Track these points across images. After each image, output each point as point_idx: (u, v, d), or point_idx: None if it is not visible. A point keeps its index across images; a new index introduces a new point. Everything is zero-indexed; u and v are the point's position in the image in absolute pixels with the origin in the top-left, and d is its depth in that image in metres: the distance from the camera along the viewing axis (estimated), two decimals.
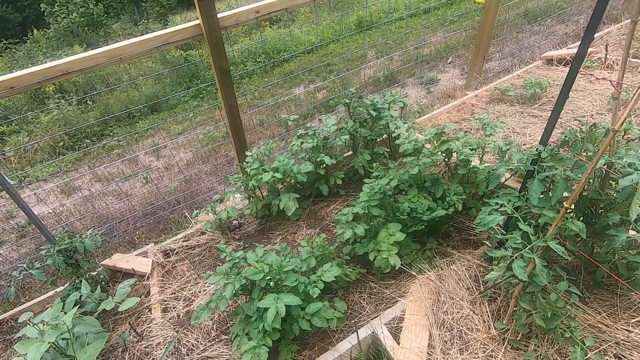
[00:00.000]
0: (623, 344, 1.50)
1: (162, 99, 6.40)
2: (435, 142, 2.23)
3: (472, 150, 2.10)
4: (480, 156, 2.31)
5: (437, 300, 1.80)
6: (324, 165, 2.61)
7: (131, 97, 6.78)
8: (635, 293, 1.66)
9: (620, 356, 1.47)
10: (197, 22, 2.44)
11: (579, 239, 1.70)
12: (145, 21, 11.25)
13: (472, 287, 1.84)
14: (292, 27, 8.32)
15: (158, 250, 2.57)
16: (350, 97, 2.71)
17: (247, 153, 2.54)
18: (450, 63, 5.43)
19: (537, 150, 1.49)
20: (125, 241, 3.12)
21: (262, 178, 2.29)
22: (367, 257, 1.97)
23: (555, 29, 5.25)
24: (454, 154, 2.21)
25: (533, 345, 1.54)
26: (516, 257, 1.31)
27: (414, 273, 1.95)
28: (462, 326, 1.68)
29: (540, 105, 3.26)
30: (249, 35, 8.74)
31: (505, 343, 1.55)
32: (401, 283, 1.99)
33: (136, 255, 2.55)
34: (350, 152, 2.92)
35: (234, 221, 2.69)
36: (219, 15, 2.44)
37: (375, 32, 7.41)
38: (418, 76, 5.18)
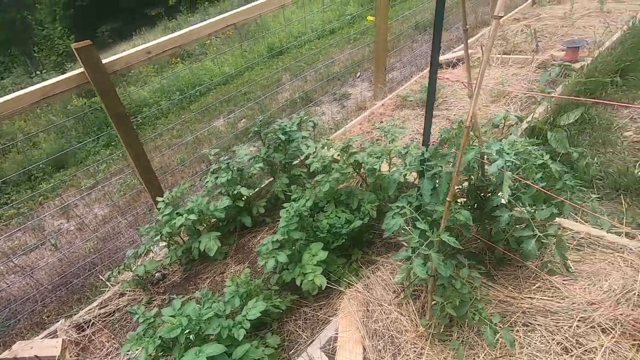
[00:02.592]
0: (528, 311, 1.65)
1: (68, 152, 5.84)
2: (343, 156, 2.32)
3: (377, 158, 2.21)
4: (389, 162, 2.44)
5: (366, 310, 1.83)
6: (244, 196, 2.56)
7: (30, 157, 6.08)
8: (531, 262, 1.85)
9: (528, 324, 1.61)
10: (81, 70, 2.28)
11: (478, 225, 1.86)
12: (40, 72, 10.32)
13: (398, 290, 1.90)
14: (205, 60, 8.24)
15: (69, 325, 2.27)
16: (258, 124, 2.72)
17: (159, 199, 2.40)
18: (359, 77, 5.76)
19: (421, 151, 1.62)
20: (33, 323, 2.71)
21: (175, 223, 2.16)
22: (295, 283, 1.94)
23: (443, 36, 5.87)
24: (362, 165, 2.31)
25: (456, 334, 1.62)
26: (415, 256, 1.38)
27: (341, 289, 1.96)
28: (392, 331, 1.71)
29: (437, 105, 3.58)
30: (160, 74, 8.44)
31: (430, 337, 1.61)
32: (332, 301, 1.99)
33: (42, 338, 2.22)
34: (271, 179, 2.91)
35: (157, 274, 2.49)
36: (105, 61, 2.32)
37: (287, 56, 7.63)
38: (331, 93, 5.41)
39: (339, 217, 2.07)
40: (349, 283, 1.98)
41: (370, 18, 4.10)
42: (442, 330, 1.63)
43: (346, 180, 2.65)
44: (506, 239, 1.67)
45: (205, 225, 2.53)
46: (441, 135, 1.63)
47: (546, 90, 3.07)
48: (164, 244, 2.53)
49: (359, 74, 5.83)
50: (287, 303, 1.96)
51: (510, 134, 2.85)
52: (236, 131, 5.07)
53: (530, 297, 1.71)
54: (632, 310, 1.56)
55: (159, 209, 2.32)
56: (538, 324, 1.59)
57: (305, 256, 1.95)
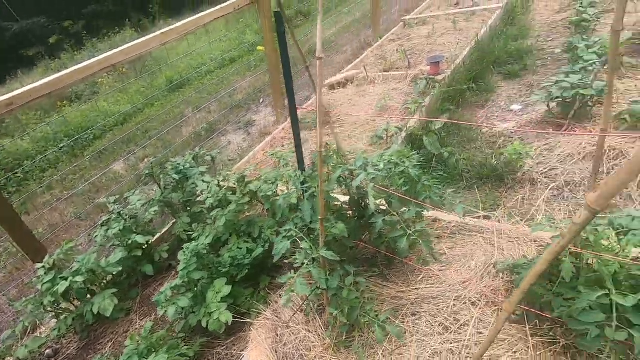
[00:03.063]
0: (415, 301, 1.86)
1: None
2: (240, 186, 2.36)
3: (271, 184, 2.30)
4: (287, 186, 2.55)
5: (276, 335, 1.86)
6: (143, 244, 2.42)
7: None
8: (413, 257, 2.08)
9: (416, 312, 1.81)
10: None
11: (366, 232, 2.04)
12: None
13: (306, 308, 1.98)
14: (97, 100, 7.62)
15: None
16: (150, 167, 2.62)
17: (37, 265, 2.14)
18: (262, 103, 5.89)
19: (296, 174, 1.74)
20: None
21: (57, 290, 1.96)
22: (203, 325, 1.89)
23: (333, 58, 6.34)
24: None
25: (357, 338, 1.74)
26: (297, 275, 1.47)
27: (250, 320, 1.97)
28: (301, 350, 1.77)
29: (329, 126, 3.83)
30: (43, 120, 7.56)
31: (334, 347, 1.71)
32: (243, 335, 1.98)
33: None
34: (174, 220, 2.81)
35: (46, 351, 2.20)
36: None
37: (188, 88, 7.47)
38: (236, 121, 5.43)
39: (240, 248, 2.09)
40: (257, 312, 2.00)
41: (260, 48, 4.27)
42: (344, 338, 1.74)
43: (250, 209, 2.69)
44: (387, 241, 1.87)
45: (99, 284, 2.32)
46: (313, 158, 1.78)
47: (417, 101, 3.52)
48: (53, 314, 2.26)
49: (262, 99, 5.96)
50: (196, 348, 1.90)
51: (393, 144, 3.20)
52: (138, 172, 4.77)
53: (416, 289, 1.92)
54: (492, 281, 1.85)
55: (38, 277, 2.07)
56: (424, 311, 1.80)
57: (210, 295, 1.92)
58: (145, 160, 5.29)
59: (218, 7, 3.60)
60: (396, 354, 1.65)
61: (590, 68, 3.05)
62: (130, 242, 2.29)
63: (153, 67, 8.47)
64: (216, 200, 2.21)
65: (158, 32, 3.19)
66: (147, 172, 2.60)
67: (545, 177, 2.75)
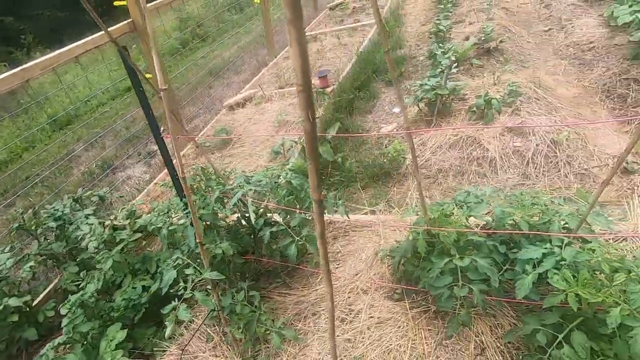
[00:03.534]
0: (315, 302, 1.98)
1: None
2: (130, 222, 2.25)
3: (164, 215, 2.24)
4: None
5: None
6: (21, 307, 2.15)
7: None
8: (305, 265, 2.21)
9: (315, 312, 1.93)
10: None
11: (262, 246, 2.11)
12: None
13: (212, 334, 1.96)
14: None
15: None
16: (20, 218, 2.35)
17: None
18: (164, 131, 5.64)
19: (177, 203, 1.75)
20: None
21: None
22: None
23: (233, 79, 6.38)
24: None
25: (263, 350, 1.79)
26: (180, 302, 1.48)
27: None
28: None
29: (231, 147, 3.87)
30: None
31: None
32: None
33: None
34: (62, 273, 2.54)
35: None
36: None
37: (77, 123, 6.80)
38: (136, 154, 5.12)
39: (135, 288, 1.99)
40: (162, 350, 1.92)
41: (148, 75, 4.12)
42: (250, 353, 1.77)
43: (147, 244, 2.57)
44: (279, 250, 1.97)
45: None
46: (191, 182, 1.80)
47: None
48: None
49: (162, 128, 5.70)
50: None
51: (290, 157, 3.35)
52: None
53: (316, 290, 2.04)
54: (380, 268, 2.06)
55: None
56: (322, 310, 1.92)
57: (103, 344, 1.79)
58: (30, 211, 4.66)
59: (90, 37, 3.40)
60: (300, 356, 1.74)
61: (450, 71, 3.60)
62: (1, 307, 2.01)
63: (30, 104, 7.54)
64: (101, 242, 2.08)
65: (18, 69, 2.90)
66: (16, 225, 2.32)
67: (423, 168, 3.14)
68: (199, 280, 1.50)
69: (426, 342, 1.65)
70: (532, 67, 4.11)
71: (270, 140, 3.82)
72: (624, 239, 1.86)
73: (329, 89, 4.20)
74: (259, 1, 6.17)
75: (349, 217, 2.15)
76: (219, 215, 1.87)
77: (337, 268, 2.14)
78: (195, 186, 1.79)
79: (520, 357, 1.47)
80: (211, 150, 3.90)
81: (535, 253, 1.43)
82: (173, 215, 2.37)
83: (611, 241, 1.87)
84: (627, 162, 2.68)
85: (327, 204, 2.08)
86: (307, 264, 2.13)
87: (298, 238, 1.84)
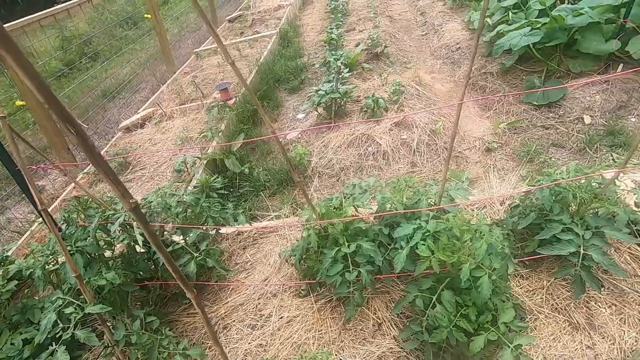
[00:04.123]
0: (226, 315, 1.96)
1: None
2: (1, 272, 1.97)
3: (43, 256, 2.01)
4: None
5: None
6: None
7: None
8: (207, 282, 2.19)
9: (227, 325, 1.91)
10: None
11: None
12: None
13: None
14: None
15: None
16: None
17: None
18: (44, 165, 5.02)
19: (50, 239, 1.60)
20: None
21: None
22: None
23: (131, 99, 5.97)
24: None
25: None
26: (58, 345, 1.37)
27: None
28: None
29: (129, 172, 3.62)
30: None
31: None
32: None
33: None
34: None
35: None
36: None
37: None
38: (14, 193, 4.46)
39: (13, 344, 1.75)
40: None
41: (19, 103, 3.65)
42: None
43: (29, 292, 2.28)
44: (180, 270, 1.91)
45: None
46: (62, 215, 1.66)
47: (213, 128, 3.70)
48: None
49: (44, 164, 5.08)
50: None
51: (195, 174, 3.26)
52: None
53: (226, 303, 2.02)
54: (288, 269, 2.13)
55: None
56: (233, 321, 1.92)
57: None
58: None
59: None
60: None
61: (339, 76, 3.86)
62: None
63: None
64: None
65: None
66: None
67: (327, 168, 3.32)
68: (82, 318, 1.39)
69: (331, 330, 1.75)
70: (414, 68, 4.63)
71: (174, 160, 3.67)
72: (484, 206, 2.21)
73: (231, 102, 4.19)
74: (149, 16, 5.90)
75: (250, 224, 2.18)
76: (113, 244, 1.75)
77: (246, 277, 2.15)
78: (71, 217, 1.65)
79: (408, 323, 1.65)
80: (102, 179, 3.59)
81: (408, 229, 1.63)
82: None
83: (476, 210, 2.21)
84: (488, 142, 3.18)
85: (228, 215, 2.09)
86: (211, 280, 2.10)
87: (197, 254, 1.81)
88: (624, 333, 1.50)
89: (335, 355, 1.65)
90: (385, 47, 4.83)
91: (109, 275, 1.51)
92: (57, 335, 1.36)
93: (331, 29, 5.49)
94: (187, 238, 1.82)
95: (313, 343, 1.72)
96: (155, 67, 6.88)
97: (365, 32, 5.53)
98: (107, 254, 1.75)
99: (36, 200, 1.24)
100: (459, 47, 4.83)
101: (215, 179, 3.01)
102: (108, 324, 1.67)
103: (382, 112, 3.46)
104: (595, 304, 1.61)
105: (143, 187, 3.32)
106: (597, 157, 2.71)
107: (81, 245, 1.53)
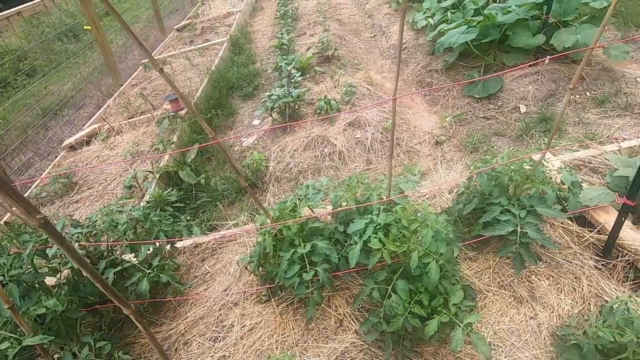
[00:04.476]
0: (185, 331, 1.90)
1: None
2: None
3: None
4: None
5: None
6: None
7: None
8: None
9: (187, 341, 1.85)
10: None
11: None
12: None
13: None
14: None
15: None
16: None
17: None
18: None
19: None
20: None
21: None
22: None
23: (75, 115, 5.63)
24: None
25: None
26: None
27: None
28: None
29: (76, 192, 3.41)
30: None
31: None
32: None
33: None
34: None
35: None
36: None
37: None
38: None
39: None
40: None
41: None
42: None
43: None
44: (132, 289, 1.83)
45: None
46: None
47: (164, 140, 3.58)
48: None
49: None
50: None
51: (147, 188, 3.13)
52: None
53: (185, 319, 1.96)
54: (249, 277, 2.10)
55: None
56: (193, 336, 1.86)
57: None
58: None
59: None
60: None
61: (291, 80, 3.88)
62: None
63: None
64: None
65: None
66: None
67: (285, 173, 3.32)
68: (20, 352, 1.28)
69: (294, 332, 1.75)
70: (365, 69, 4.76)
71: (125, 176, 3.50)
72: (434, 196, 2.32)
73: (182, 112, 4.07)
74: (89, 28, 5.61)
75: (207, 234, 2.13)
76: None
77: (206, 289, 2.10)
78: (1, 244, 1.52)
79: (367, 316, 1.68)
80: (50, 200, 3.37)
81: (360, 224, 1.67)
82: None
83: (427, 200, 2.30)
84: (437, 136, 3.34)
85: (182, 228, 2.03)
86: (167, 296, 2.03)
87: (150, 271, 1.74)
88: (561, 301, 1.63)
89: (300, 356, 1.65)
90: (336, 49, 4.93)
91: (49, 303, 1.41)
92: None
93: (282, 34, 5.51)
94: (138, 255, 1.75)
95: (276, 347, 1.71)
96: (100, 81, 6.55)
97: (316, 36, 5.60)
98: (50, 280, 1.63)
99: None
100: (406, 47, 5.02)
101: (169, 192, 2.92)
102: (56, 355, 1.56)
103: (335, 113, 3.52)
104: (536, 277, 1.74)
105: (92, 207, 3.14)
106: (532, 142, 2.93)
107: (15, 274, 1.41)
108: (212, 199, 3.17)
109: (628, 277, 1.70)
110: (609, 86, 3.22)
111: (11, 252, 1.48)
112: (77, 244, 1.54)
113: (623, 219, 1.64)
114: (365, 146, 3.30)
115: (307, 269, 1.65)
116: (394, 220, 1.62)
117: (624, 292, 1.63)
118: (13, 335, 1.33)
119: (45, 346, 1.37)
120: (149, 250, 1.84)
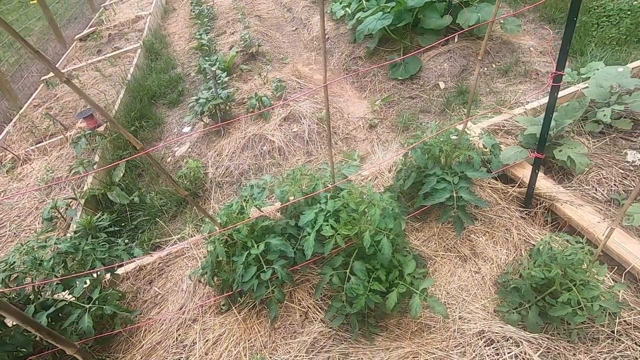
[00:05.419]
0: None
1: None
2: None
3: None
4: None
5: None
6: None
7: None
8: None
9: None
10: None
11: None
12: None
13: None
14: None
15: None
16: None
17: None
18: None
19: None
20: None
21: None
22: None
23: None
24: None
25: None
26: None
27: None
28: None
29: None
30: None
31: None
32: None
33: None
34: None
35: None
36: None
37: None
38: None
39: None
40: None
41: None
42: None
43: None
44: (73, 329, 1.64)
45: None
46: None
47: (83, 161, 3.23)
48: None
49: None
50: None
51: (72, 217, 2.81)
52: None
53: (139, 348, 1.81)
54: (203, 289, 2.00)
55: None
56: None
57: None
58: None
59: None
60: None
61: (218, 81, 3.73)
62: None
63: None
64: None
65: None
66: None
67: (226, 176, 3.21)
68: None
69: (260, 335, 1.71)
70: (291, 62, 4.75)
71: (42, 208, 3.10)
72: (376, 177, 2.41)
73: (100, 128, 3.71)
74: None
75: (151, 254, 1.98)
76: None
77: (159, 312, 1.96)
78: None
79: (330, 302, 1.71)
80: None
81: (310, 215, 1.68)
82: None
83: (369, 182, 2.39)
84: (370, 120, 3.47)
85: (120, 252, 1.86)
86: (114, 328, 1.86)
87: (90, 305, 1.57)
88: (498, 252, 1.81)
89: (270, 357, 1.63)
90: (259, 46, 4.85)
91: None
92: None
93: (200, 34, 5.27)
94: (74, 291, 1.56)
95: (245, 355, 1.66)
96: None
97: (237, 34, 5.45)
98: None
99: None
100: (328, 38, 5.10)
101: (99, 217, 2.66)
102: None
103: (268, 109, 3.47)
104: (474, 235, 1.91)
105: (5, 249, 2.73)
106: (454, 115, 3.18)
107: None
108: (151, 216, 2.96)
109: (547, 220, 1.94)
110: (509, 57, 3.61)
111: None
112: None
113: (537, 171, 1.86)
114: (304, 139, 3.32)
115: (264, 268, 1.62)
116: (342, 205, 1.65)
117: (546, 235, 1.86)
118: None
119: None
120: (85, 283, 1.66)
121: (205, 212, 1.61)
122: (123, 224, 2.90)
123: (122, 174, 3.27)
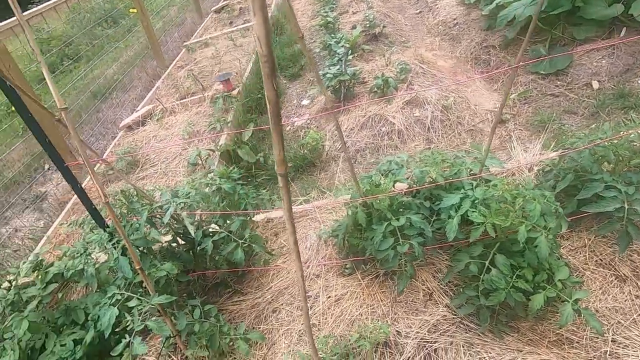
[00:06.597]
0: (272, 299, 1.96)
1: None
2: (39, 275, 1.93)
3: (80, 256, 1.97)
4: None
5: None
6: None
7: None
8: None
9: (275, 309, 1.92)
10: None
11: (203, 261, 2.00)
12: None
13: None
14: None
15: None
16: None
17: None
18: (49, 169, 4.88)
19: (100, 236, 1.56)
20: None
21: None
22: None
23: (124, 97, 5.81)
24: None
25: None
26: (133, 337, 1.36)
27: None
28: None
29: (140, 169, 3.54)
30: None
31: None
32: None
33: None
34: None
35: None
36: None
37: None
38: (19, 201, 4.33)
39: (64, 344, 1.73)
40: None
41: None
42: None
43: (67, 293, 2.24)
44: (225, 258, 1.90)
45: None
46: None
47: (221, 119, 3.63)
48: None
49: (47, 166, 4.93)
50: None
51: (210, 166, 3.21)
52: None
53: (270, 288, 2.03)
54: (326, 250, 2.14)
55: None
56: (281, 304, 1.92)
57: None
58: None
59: None
60: (269, 355, 1.72)
61: (347, 58, 3.82)
62: None
63: None
64: (6, 306, 1.74)
65: None
66: None
67: (342, 152, 3.31)
68: (146, 311, 1.37)
69: (383, 304, 1.77)
70: (413, 46, 4.62)
71: (185, 154, 3.60)
72: (512, 174, 2.25)
73: (234, 92, 4.11)
74: (135, 11, 5.71)
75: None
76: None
77: (285, 262, 2.16)
78: (121, 212, 1.61)
79: (461, 289, 1.68)
80: (117, 177, 3.52)
81: (454, 199, 1.65)
82: (94, 254, 2.11)
83: (505, 177, 2.24)
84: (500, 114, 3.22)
85: (264, 201, 2.07)
86: (256, 265, 2.10)
87: (242, 241, 1.80)
88: None
89: (391, 326, 1.68)
90: (384, 27, 4.80)
91: (166, 267, 1.49)
92: (118, 335, 1.34)
93: (326, 12, 5.40)
94: (231, 226, 1.80)
95: (366, 318, 1.74)
96: (145, 64, 6.68)
97: (359, 14, 5.46)
98: (156, 247, 1.72)
99: (100, 193, 1.20)
100: (457, 23, 4.82)
101: (232, 169, 2.98)
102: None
103: (393, 91, 3.45)
104: (638, 256, 1.67)
105: (158, 184, 3.25)
106: (610, 120, 2.78)
107: (133, 239, 1.49)
108: (271, 177, 3.22)
109: None
110: None
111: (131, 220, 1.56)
112: (184, 213, 1.60)
113: None
114: (425, 125, 3.24)
115: (401, 242, 1.66)
116: (493, 195, 1.59)
117: None
118: (135, 295, 1.42)
119: (165, 307, 1.45)
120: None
121: (355, 178, 1.70)
122: (249, 179, 3.22)
123: (250, 135, 3.61)
